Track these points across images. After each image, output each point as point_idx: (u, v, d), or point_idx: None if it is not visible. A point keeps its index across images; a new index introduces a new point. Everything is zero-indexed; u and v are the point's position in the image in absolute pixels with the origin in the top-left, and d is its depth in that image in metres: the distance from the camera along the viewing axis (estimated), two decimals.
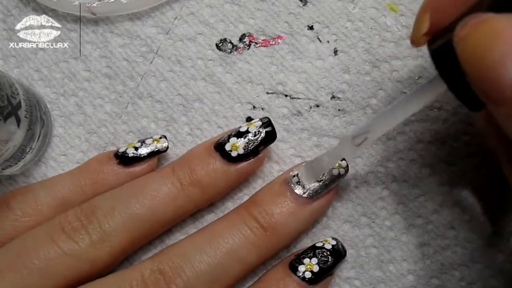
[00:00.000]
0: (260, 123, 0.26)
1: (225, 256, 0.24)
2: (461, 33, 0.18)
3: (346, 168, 0.26)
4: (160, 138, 0.28)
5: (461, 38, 0.17)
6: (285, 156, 0.29)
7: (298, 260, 0.25)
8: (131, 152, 0.27)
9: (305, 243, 0.28)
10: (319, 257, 0.25)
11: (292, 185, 0.26)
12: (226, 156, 0.26)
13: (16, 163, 0.27)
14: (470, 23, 0.17)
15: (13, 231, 0.25)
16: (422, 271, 0.28)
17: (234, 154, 0.26)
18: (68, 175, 0.27)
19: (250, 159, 0.26)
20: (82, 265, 0.24)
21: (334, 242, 0.26)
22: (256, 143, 0.26)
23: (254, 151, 0.26)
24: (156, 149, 0.27)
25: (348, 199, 0.28)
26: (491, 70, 0.16)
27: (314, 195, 0.26)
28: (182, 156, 0.27)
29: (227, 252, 0.24)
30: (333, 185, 0.26)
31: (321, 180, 0.26)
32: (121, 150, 0.27)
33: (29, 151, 0.27)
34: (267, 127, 0.26)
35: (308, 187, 0.26)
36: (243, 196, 0.28)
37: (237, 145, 0.26)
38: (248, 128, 0.26)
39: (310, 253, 0.26)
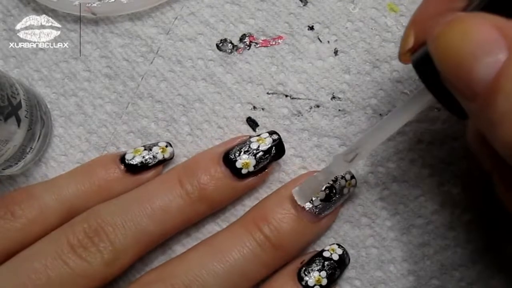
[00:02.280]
0: (270, 140, 0.26)
1: (238, 278, 0.24)
2: (433, 32, 0.18)
3: (355, 185, 0.27)
4: (166, 146, 0.28)
5: (434, 38, 0.18)
6: (285, 156, 0.29)
7: (306, 271, 0.25)
8: (139, 161, 0.27)
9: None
10: (327, 270, 0.25)
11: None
12: (236, 173, 0.26)
13: (17, 163, 0.27)
14: (441, 22, 0.18)
15: (21, 239, 0.25)
16: (423, 271, 0.28)
17: (244, 171, 0.26)
18: (73, 179, 0.26)
19: (257, 175, 0.27)
20: (95, 283, 0.24)
21: (340, 252, 0.26)
22: (266, 161, 0.26)
23: (262, 168, 0.27)
24: (163, 158, 0.28)
25: (349, 200, 0.28)
26: (463, 66, 0.17)
27: (321, 213, 0.26)
28: (187, 164, 0.27)
29: (241, 274, 0.24)
30: (339, 202, 0.27)
31: (332, 200, 0.26)
32: (128, 157, 0.27)
33: (29, 151, 0.27)
34: (277, 145, 0.26)
35: (310, 204, 0.26)
36: (242, 196, 0.28)
37: (248, 163, 0.26)
38: (259, 146, 0.26)
39: (319, 265, 0.26)
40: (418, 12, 0.22)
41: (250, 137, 0.27)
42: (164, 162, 0.28)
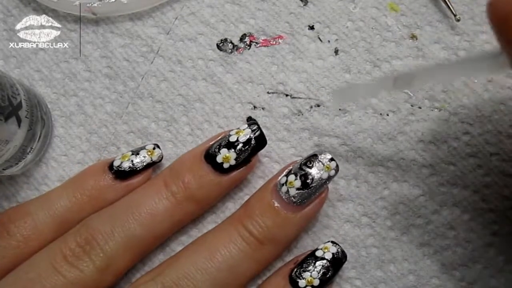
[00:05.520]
0: (249, 130, 0.26)
1: (228, 275, 0.24)
2: None
3: (336, 169, 0.26)
4: (154, 149, 0.28)
5: None
6: (285, 155, 0.29)
7: (298, 273, 0.25)
8: (127, 166, 0.27)
9: (306, 242, 0.28)
10: (319, 270, 0.25)
11: (281, 193, 0.25)
12: (218, 168, 0.26)
13: (17, 164, 0.27)
14: None
15: (17, 258, 0.25)
16: (423, 271, 0.28)
17: (226, 165, 0.26)
18: (65, 193, 0.27)
19: (242, 167, 0.26)
20: None
21: (334, 250, 0.26)
22: (247, 153, 0.26)
23: (245, 161, 0.26)
24: (151, 161, 0.27)
25: (349, 199, 0.28)
26: None
27: (304, 202, 0.25)
28: (172, 166, 0.27)
29: (229, 270, 0.25)
30: (322, 189, 0.26)
31: (310, 187, 0.25)
32: (116, 163, 0.27)
33: (29, 151, 0.27)
34: (257, 135, 0.26)
35: (287, 195, 0.25)
36: (244, 196, 0.29)
37: (228, 157, 0.26)
38: (238, 138, 0.26)
39: (310, 265, 0.25)
40: None
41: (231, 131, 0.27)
42: (153, 165, 0.27)
